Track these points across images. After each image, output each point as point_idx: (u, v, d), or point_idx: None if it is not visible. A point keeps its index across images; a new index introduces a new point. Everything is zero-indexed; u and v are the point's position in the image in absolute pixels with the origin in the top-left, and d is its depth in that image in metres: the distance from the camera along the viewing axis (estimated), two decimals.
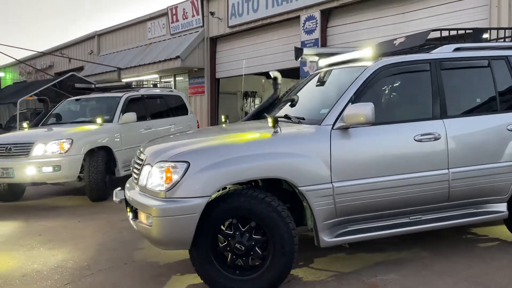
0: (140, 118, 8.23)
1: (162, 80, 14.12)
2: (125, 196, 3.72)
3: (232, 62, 13.57)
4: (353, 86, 3.60)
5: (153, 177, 3.26)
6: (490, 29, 4.72)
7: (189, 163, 3.12)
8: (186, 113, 10.12)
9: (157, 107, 9.31)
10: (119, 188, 4.09)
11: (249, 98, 16.84)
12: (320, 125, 3.46)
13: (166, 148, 3.45)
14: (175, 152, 3.25)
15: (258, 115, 4.88)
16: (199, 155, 3.20)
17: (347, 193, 3.40)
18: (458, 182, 3.69)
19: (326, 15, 10.61)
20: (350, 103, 3.48)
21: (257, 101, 17.11)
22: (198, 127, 10.55)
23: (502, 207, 3.91)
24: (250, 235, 3.22)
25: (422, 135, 3.61)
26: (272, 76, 5.05)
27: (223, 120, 4.78)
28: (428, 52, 3.99)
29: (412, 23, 8.99)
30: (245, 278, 3.23)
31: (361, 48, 4.09)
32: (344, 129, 3.44)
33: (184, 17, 14.96)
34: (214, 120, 14.17)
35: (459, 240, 4.33)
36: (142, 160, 3.57)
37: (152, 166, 3.30)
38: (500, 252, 3.95)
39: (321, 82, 4.37)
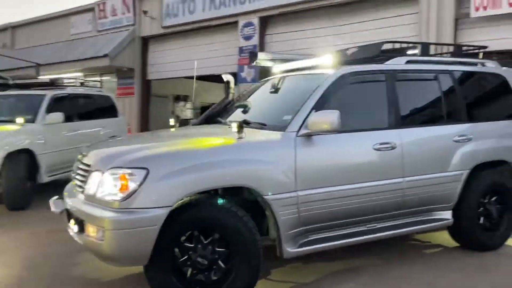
0: (66, 119, 7.55)
1: (90, 79, 13.22)
2: (66, 206, 3.31)
3: (165, 63, 13.10)
4: (316, 93, 3.54)
5: (105, 185, 2.92)
6: (436, 44, 4.97)
7: (148, 170, 2.84)
8: (116, 116, 9.55)
9: (84, 108, 8.65)
10: (57, 196, 3.64)
11: (181, 102, 16.41)
12: (284, 131, 3.35)
13: (120, 152, 3.12)
14: (131, 157, 2.94)
15: (209, 120, 4.66)
16: (160, 161, 2.93)
17: (311, 202, 3.33)
18: (412, 190, 3.79)
19: (265, 22, 10.65)
20: (313, 110, 3.42)
21: (188, 105, 16.72)
22: (129, 131, 10.02)
23: (448, 214, 4.08)
24: (213, 248, 3.01)
25: (380, 144, 3.65)
26: (224, 80, 4.86)
27: (172, 123, 4.49)
28: (382, 63, 4.08)
29: (347, 35, 9.30)
30: None
31: (319, 55, 4.06)
32: (308, 136, 3.36)
33: (113, 14, 14.20)
34: (144, 124, 13.56)
35: (407, 246, 4.45)
36: (88, 165, 3.19)
37: (103, 173, 2.96)
38: (448, 258, 4.11)
39: (279, 88, 4.26)
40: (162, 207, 2.81)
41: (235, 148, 3.14)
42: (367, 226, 3.72)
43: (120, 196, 2.82)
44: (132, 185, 2.82)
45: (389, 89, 3.87)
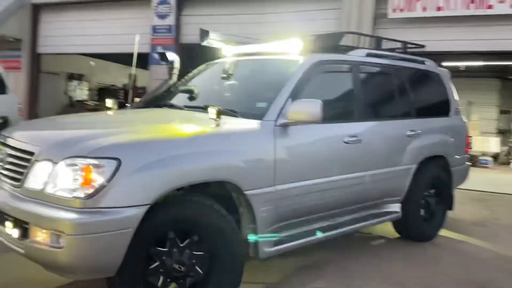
0: None
1: None
2: None
3: (61, 36, 11.57)
4: (291, 80, 3.30)
5: (60, 178, 2.32)
6: (388, 39, 5.04)
7: (120, 161, 2.31)
8: (4, 92, 8.24)
9: None
10: None
11: (74, 81, 14.81)
12: (262, 120, 3.05)
13: (80, 137, 2.51)
14: (97, 145, 2.37)
15: (151, 103, 4.12)
16: (133, 150, 2.42)
17: (288, 197, 3.10)
18: (373, 184, 3.79)
19: (182, 1, 10.00)
20: (290, 99, 3.18)
21: (83, 85, 15.18)
22: (21, 112, 8.67)
23: (397, 207, 4.18)
24: (191, 252, 2.59)
25: (349, 136, 3.56)
26: (168, 59, 4.33)
27: (110, 105, 3.84)
28: (344, 54, 3.98)
29: (268, 24, 9.15)
30: None
31: (286, 39, 3.79)
32: (284, 126, 3.11)
33: None
34: (33, 103, 11.89)
35: (353, 240, 4.44)
36: (29, 152, 2.52)
37: (56, 163, 2.35)
38: (395, 251, 4.20)
39: (236, 73, 3.90)
40: (138, 205, 2.32)
41: (219, 138, 2.75)
42: (332, 220, 3.63)
43: (84, 192, 2.26)
44: (99, 179, 2.27)
45: (355, 80, 3.80)
